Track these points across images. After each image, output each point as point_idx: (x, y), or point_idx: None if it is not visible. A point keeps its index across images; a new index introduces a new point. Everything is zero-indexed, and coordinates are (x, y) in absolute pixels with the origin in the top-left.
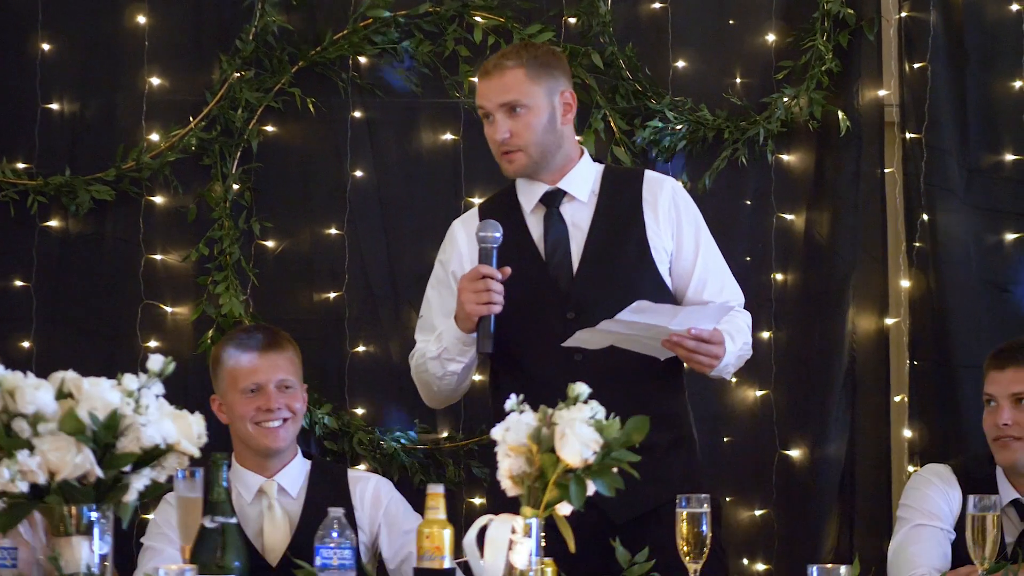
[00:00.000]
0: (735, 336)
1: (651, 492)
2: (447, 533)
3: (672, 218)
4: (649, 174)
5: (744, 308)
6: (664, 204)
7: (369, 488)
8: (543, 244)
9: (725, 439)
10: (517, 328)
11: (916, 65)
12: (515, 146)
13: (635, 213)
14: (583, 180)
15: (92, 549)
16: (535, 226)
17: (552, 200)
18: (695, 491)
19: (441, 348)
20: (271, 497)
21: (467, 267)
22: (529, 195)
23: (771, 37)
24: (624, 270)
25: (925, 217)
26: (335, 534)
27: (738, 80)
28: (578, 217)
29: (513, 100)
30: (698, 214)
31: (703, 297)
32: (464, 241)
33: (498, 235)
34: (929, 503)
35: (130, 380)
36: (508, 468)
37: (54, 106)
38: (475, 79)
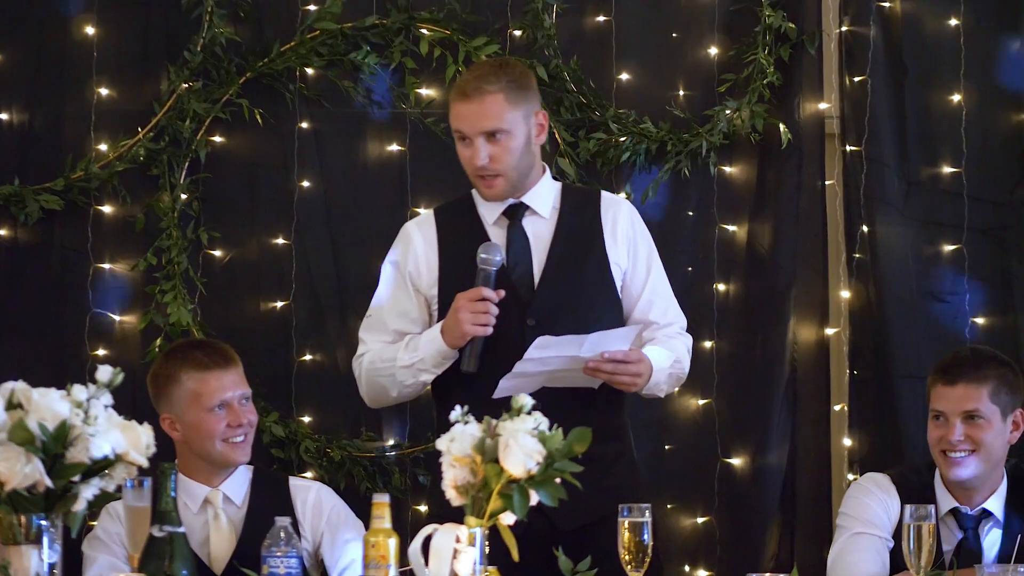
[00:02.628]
0: (664, 355)
1: (598, 501)
2: (392, 542)
3: (629, 238)
4: (605, 195)
5: (687, 320)
6: (622, 224)
7: (311, 496)
8: (506, 255)
9: (667, 447)
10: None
11: (856, 79)
12: (494, 171)
13: (595, 230)
14: (545, 196)
15: (42, 558)
16: (497, 238)
17: (515, 213)
18: (637, 501)
19: (416, 358)
20: (217, 507)
21: (423, 270)
22: (491, 208)
23: (713, 51)
24: (584, 283)
25: (865, 229)
26: (282, 543)
27: (681, 93)
28: (540, 230)
29: (495, 127)
30: (650, 237)
31: (648, 317)
32: (421, 244)
33: (499, 259)
34: (868, 512)
35: (79, 391)
36: (453, 478)
37: (2, 116)
38: (421, 91)
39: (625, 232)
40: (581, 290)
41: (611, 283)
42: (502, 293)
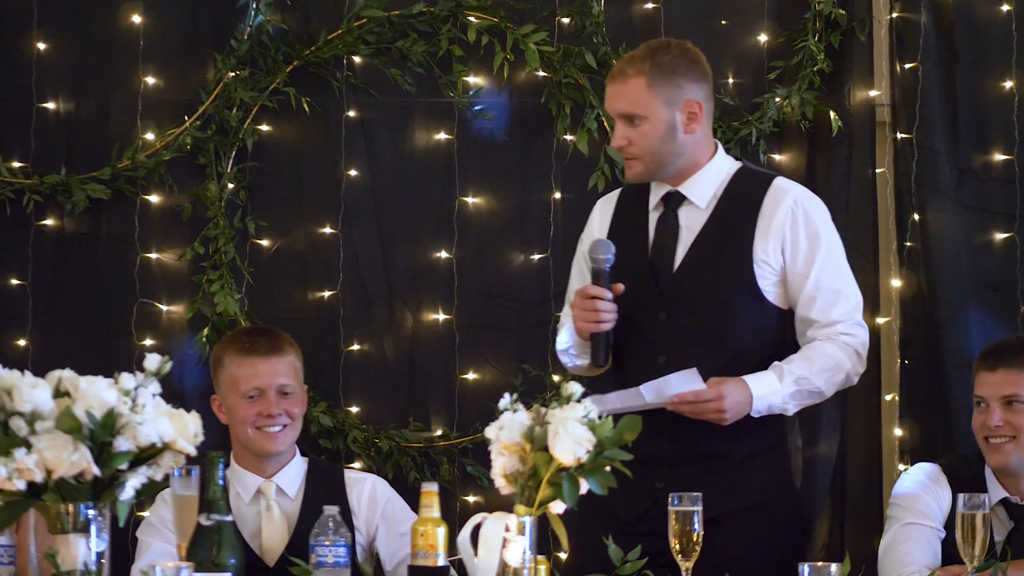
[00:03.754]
0: (786, 373)
1: (722, 499)
2: (441, 531)
3: (785, 232)
4: (777, 182)
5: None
6: (780, 216)
7: (366, 489)
8: (652, 243)
9: None
10: (619, 324)
11: (907, 66)
12: (631, 155)
13: (747, 222)
14: (705, 185)
15: (89, 547)
16: (653, 222)
17: (670, 202)
18: (773, 501)
19: (568, 344)
20: (269, 498)
21: None
22: (656, 192)
23: (763, 37)
24: (721, 279)
25: (916, 217)
26: (330, 531)
27: (730, 80)
28: (693, 221)
29: (629, 112)
30: (821, 227)
31: (810, 315)
32: (597, 221)
33: (609, 256)
34: (919, 502)
35: (127, 379)
36: (502, 466)
37: (50, 105)
38: (468, 79)
39: (780, 225)
40: (715, 286)
41: (751, 280)
42: (620, 288)
